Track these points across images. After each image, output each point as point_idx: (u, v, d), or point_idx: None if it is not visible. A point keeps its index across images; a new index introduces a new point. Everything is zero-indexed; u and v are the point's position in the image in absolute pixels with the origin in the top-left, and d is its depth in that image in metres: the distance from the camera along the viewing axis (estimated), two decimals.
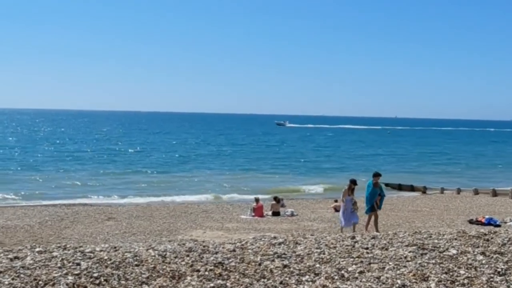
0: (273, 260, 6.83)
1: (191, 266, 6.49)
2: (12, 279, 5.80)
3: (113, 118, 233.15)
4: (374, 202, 15.59)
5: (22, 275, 5.93)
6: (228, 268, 6.44)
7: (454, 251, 7.26)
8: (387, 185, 36.61)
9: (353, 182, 15.99)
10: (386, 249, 7.47)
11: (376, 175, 15.79)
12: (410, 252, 7.23)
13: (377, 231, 14.40)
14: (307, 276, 6.22)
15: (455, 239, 8.07)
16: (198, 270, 6.32)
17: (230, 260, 6.76)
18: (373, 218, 15.73)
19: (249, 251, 7.30)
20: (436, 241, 7.92)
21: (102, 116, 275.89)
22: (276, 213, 21.87)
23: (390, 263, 6.73)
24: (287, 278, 6.16)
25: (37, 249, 7.22)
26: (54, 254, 6.90)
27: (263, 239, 8.19)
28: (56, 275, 5.96)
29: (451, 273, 6.32)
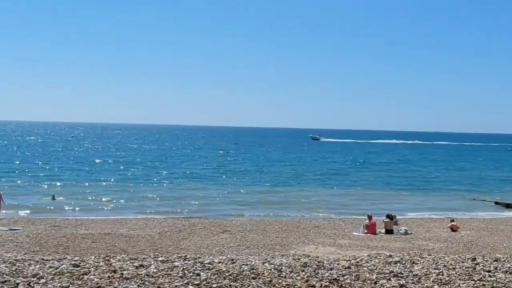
0: (389, 279, 6.72)
1: (307, 281, 6.54)
2: (138, 286, 6.17)
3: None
4: None
5: (147, 283, 6.29)
6: (343, 285, 6.43)
7: None
8: (496, 203, 34.52)
9: None
10: (511, 273, 7.10)
11: None
12: None
13: None
14: None
15: None
16: (314, 286, 6.36)
17: (345, 277, 6.74)
18: None
19: (364, 268, 7.24)
20: None
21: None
22: (389, 231, 21.39)
23: None
24: None
25: (160, 259, 7.61)
26: (176, 264, 7.25)
27: (378, 257, 8.09)
28: (178, 284, 6.26)
29: None
